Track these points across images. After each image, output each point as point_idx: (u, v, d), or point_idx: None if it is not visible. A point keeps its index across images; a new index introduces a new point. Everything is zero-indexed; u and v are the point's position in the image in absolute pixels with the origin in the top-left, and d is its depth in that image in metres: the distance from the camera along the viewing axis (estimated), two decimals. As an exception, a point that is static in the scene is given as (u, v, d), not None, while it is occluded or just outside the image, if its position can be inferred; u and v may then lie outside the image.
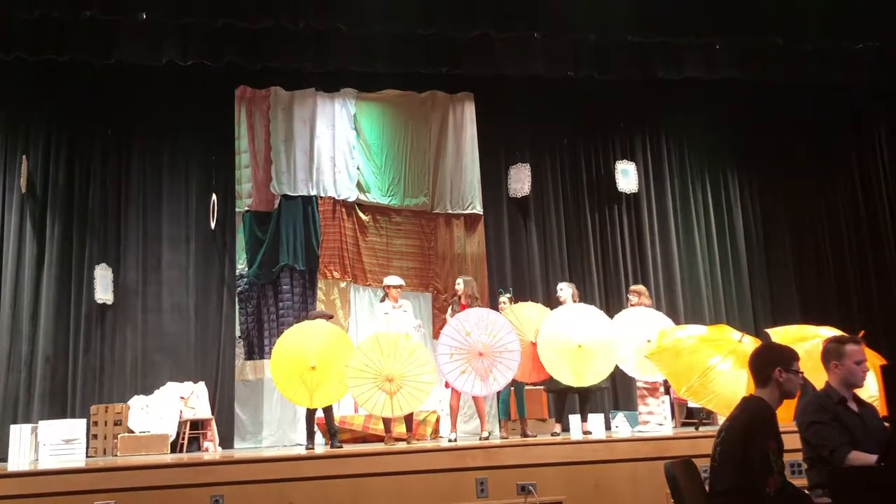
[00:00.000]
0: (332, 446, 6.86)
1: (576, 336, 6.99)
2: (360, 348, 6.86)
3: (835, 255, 10.11)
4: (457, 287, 7.46)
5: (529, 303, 7.76)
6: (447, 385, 7.09)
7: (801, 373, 3.52)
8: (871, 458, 3.44)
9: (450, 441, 6.83)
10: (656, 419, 7.33)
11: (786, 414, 4.70)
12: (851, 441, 3.56)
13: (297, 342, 6.78)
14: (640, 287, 8.02)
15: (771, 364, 3.47)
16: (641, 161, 10.00)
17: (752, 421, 3.32)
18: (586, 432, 6.95)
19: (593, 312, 7.39)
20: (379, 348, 6.75)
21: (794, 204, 10.31)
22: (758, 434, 3.27)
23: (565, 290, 7.71)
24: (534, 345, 7.08)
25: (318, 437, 7.54)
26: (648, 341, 7.08)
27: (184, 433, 8.04)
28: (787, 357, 3.50)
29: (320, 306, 8.83)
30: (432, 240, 9.48)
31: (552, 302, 8.02)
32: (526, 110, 9.84)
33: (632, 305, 7.72)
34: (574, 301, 7.64)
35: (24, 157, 8.47)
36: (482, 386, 6.77)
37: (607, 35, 8.20)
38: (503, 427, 7.77)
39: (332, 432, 7.05)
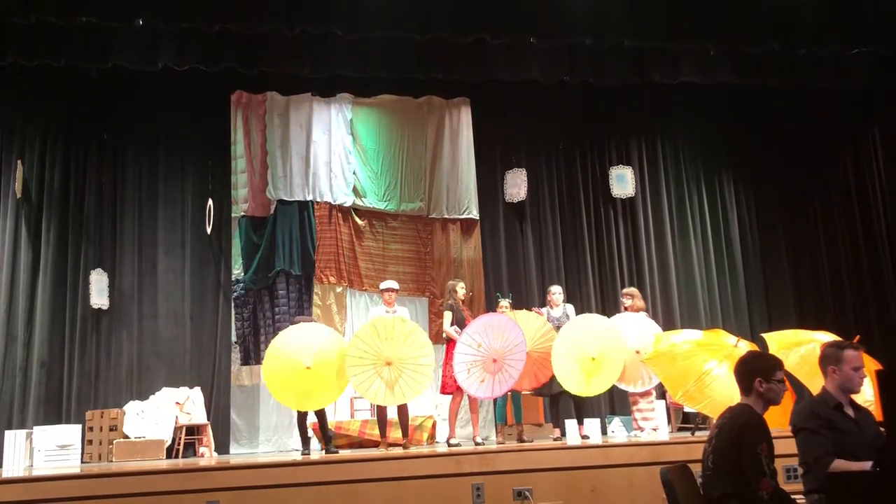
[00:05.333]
0: (327, 451, 6.84)
1: (590, 349, 6.95)
2: (358, 335, 6.82)
3: (830, 260, 10.14)
4: (459, 291, 7.40)
5: (524, 311, 7.77)
6: (445, 391, 7.09)
7: (784, 380, 3.53)
8: (856, 465, 3.44)
9: (451, 445, 6.84)
10: (650, 424, 7.32)
11: (782, 419, 4.70)
12: (844, 448, 3.56)
13: (291, 343, 6.74)
14: (634, 290, 8.06)
15: (751, 374, 3.49)
16: (637, 165, 10.02)
17: (742, 427, 3.34)
18: (584, 437, 6.95)
19: (604, 323, 7.39)
20: (376, 333, 6.72)
21: (790, 208, 10.34)
22: (749, 439, 3.29)
23: (559, 293, 7.76)
24: (528, 354, 7.07)
25: (315, 443, 7.52)
26: (637, 352, 7.09)
27: (179, 439, 8.03)
28: (767, 367, 3.52)
29: (316, 311, 8.82)
30: (429, 245, 9.48)
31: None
32: (522, 115, 9.86)
33: (625, 308, 7.75)
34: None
35: (18, 161, 8.46)
36: (497, 388, 6.78)
37: (603, 40, 8.21)
38: (500, 432, 7.76)
39: (327, 438, 7.03)
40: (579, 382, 6.96)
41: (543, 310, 7.73)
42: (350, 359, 6.62)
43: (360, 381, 6.61)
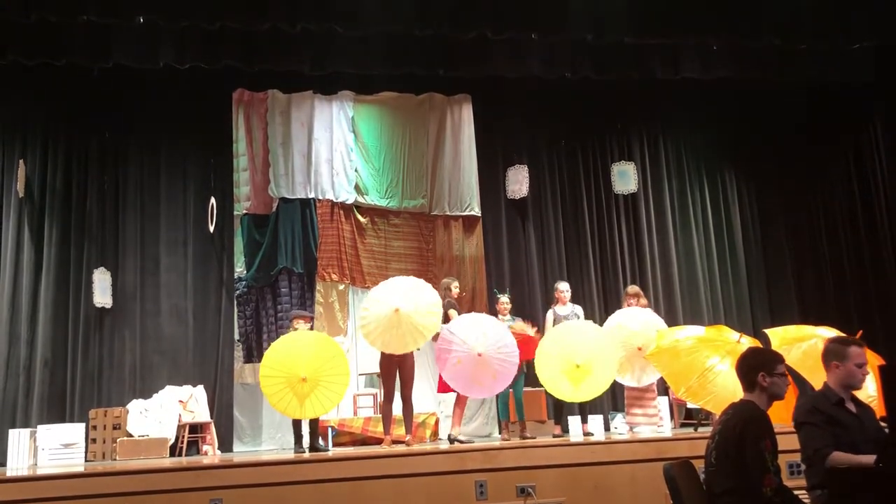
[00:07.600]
0: (310, 448, 6.89)
1: (574, 355, 6.90)
2: (377, 288, 7.02)
3: (832, 255, 10.10)
4: (454, 290, 7.44)
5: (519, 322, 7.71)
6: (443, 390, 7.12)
7: (787, 374, 3.54)
8: (855, 459, 3.44)
9: (451, 441, 6.85)
10: (653, 421, 7.35)
11: (785, 414, 4.71)
12: (846, 443, 3.56)
13: (286, 353, 6.67)
14: (638, 289, 8.08)
15: (754, 369, 3.51)
16: (639, 161, 9.99)
17: (745, 423, 3.35)
18: (587, 433, 6.95)
19: (592, 329, 7.35)
20: (391, 290, 6.82)
21: (792, 203, 10.30)
22: (752, 435, 3.30)
23: (568, 290, 7.84)
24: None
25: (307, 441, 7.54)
26: (639, 349, 7.08)
27: (183, 437, 8.03)
28: (769, 361, 3.54)
29: (319, 309, 8.84)
30: (431, 242, 9.48)
31: (551, 301, 8.04)
32: (523, 111, 9.83)
33: (629, 307, 7.76)
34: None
35: (20, 160, 8.46)
36: (487, 389, 6.76)
37: (604, 36, 8.18)
38: (503, 429, 7.77)
39: (314, 435, 7.10)
40: (565, 388, 6.94)
41: (549, 312, 7.73)
42: (363, 309, 6.87)
43: (369, 330, 6.69)
